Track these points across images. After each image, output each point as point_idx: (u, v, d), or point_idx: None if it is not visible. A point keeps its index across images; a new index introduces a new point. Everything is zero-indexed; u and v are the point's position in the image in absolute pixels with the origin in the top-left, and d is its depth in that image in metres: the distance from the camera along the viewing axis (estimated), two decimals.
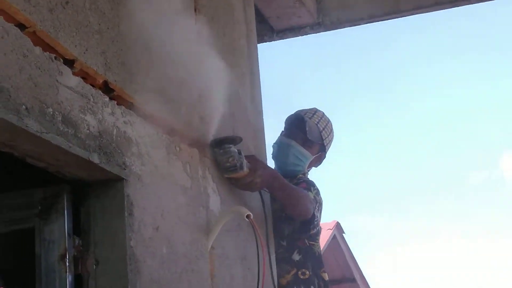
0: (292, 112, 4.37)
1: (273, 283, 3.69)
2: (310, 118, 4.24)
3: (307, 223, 3.99)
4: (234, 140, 3.26)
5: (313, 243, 4.13)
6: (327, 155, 4.33)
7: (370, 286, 14.23)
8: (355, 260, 13.91)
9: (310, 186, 4.08)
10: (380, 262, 26.38)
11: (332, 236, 12.85)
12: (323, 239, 12.13)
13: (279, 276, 4.04)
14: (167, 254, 2.82)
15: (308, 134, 4.17)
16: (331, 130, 4.32)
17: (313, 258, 4.11)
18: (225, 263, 3.34)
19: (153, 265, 2.72)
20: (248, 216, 3.08)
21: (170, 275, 2.82)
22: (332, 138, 4.34)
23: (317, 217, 4.01)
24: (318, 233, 4.15)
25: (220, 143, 3.23)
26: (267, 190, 3.72)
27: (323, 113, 4.33)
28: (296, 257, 4.09)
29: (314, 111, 4.31)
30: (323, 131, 4.24)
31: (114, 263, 2.58)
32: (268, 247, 3.78)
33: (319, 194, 4.11)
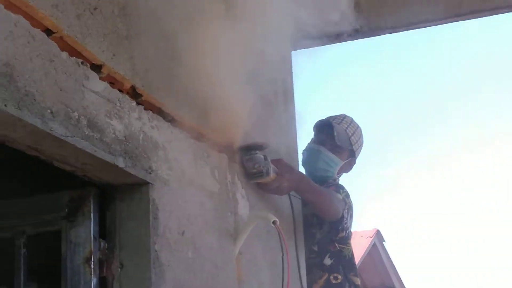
0: (322, 118, 4.37)
1: None
2: (338, 124, 4.24)
3: (337, 224, 4.00)
4: (260, 146, 3.27)
5: (343, 246, 4.12)
6: (357, 160, 4.33)
7: None
8: (395, 269, 13.82)
9: (339, 188, 4.09)
10: (421, 270, 26.13)
11: (372, 244, 12.77)
12: (363, 247, 12.07)
13: (311, 282, 4.04)
14: (192, 258, 2.83)
15: (336, 139, 4.17)
16: (361, 135, 4.31)
17: (344, 262, 4.11)
18: (253, 269, 3.35)
19: (178, 269, 2.73)
20: (274, 222, 3.09)
21: (195, 280, 2.84)
22: (362, 143, 4.34)
23: (346, 218, 4.02)
24: (348, 237, 4.14)
25: (247, 150, 3.25)
26: (297, 195, 3.73)
27: (352, 119, 4.32)
28: (327, 261, 4.09)
29: (343, 117, 4.31)
30: (352, 137, 4.24)
31: (139, 267, 2.60)
32: (298, 253, 3.78)
33: (349, 197, 4.11)
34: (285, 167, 3.47)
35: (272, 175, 3.33)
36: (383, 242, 13.51)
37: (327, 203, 3.82)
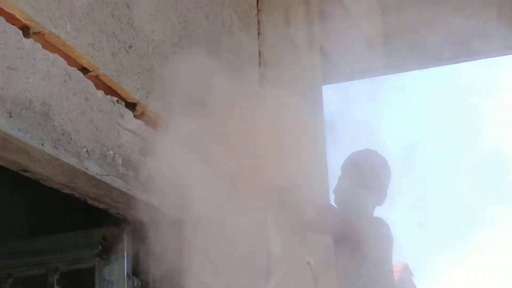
0: (348, 155, 4.37)
1: None
2: (365, 161, 4.23)
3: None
4: None
5: None
6: (388, 192, 4.32)
7: None
8: None
9: (380, 222, 4.08)
10: None
11: (400, 280, 12.62)
12: None
13: None
14: None
15: (365, 177, 4.15)
16: (387, 167, 4.30)
17: None
18: None
19: None
20: (308, 263, 3.06)
21: None
22: (390, 175, 4.32)
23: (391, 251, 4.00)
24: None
25: None
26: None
27: (376, 152, 4.31)
28: None
29: (367, 152, 4.30)
30: (380, 171, 4.22)
31: None
32: None
33: (389, 230, 4.10)
34: (328, 208, 3.46)
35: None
36: (412, 277, 13.36)
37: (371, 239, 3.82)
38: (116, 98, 2.37)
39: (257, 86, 3.40)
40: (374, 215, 4.30)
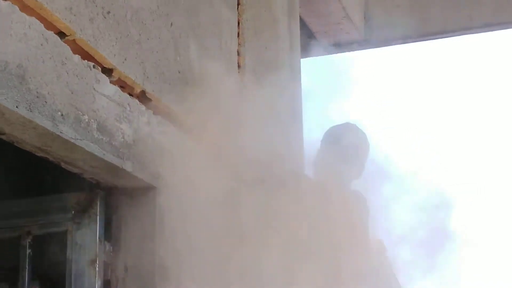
0: (327, 128, 4.38)
1: None
2: (345, 135, 4.25)
3: None
4: None
5: None
6: (365, 166, 4.36)
7: None
8: None
9: (358, 195, 4.15)
10: None
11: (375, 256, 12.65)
12: None
13: None
14: (197, 263, 2.83)
15: (344, 150, 4.18)
16: (366, 141, 4.33)
17: None
18: (258, 272, 3.34)
19: (183, 273, 2.74)
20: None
21: (200, 284, 2.84)
22: (368, 148, 4.36)
23: None
24: None
25: None
26: None
27: (356, 126, 4.33)
28: None
29: (347, 126, 4.32)
30: (359, 145, 4.25)
31: (143, 270, 2.62)
32: None
33: (366, 203, 4.16)
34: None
35: None
36: (386, 253, 13.42)
37: None
38: (93, 63, 2.37)
39: (235, 56, 3.41)
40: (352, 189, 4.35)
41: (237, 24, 3.44)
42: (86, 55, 2.35)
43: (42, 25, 2.16)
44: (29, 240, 2.76)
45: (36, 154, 2.32)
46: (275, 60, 3.90)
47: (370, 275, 3.95)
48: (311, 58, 5.45)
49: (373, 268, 4.03)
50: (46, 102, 2.13)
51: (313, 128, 4.41)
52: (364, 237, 4.17)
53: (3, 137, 2.18)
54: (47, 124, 2.13)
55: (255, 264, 3.22)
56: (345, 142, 4.18)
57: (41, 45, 2.15)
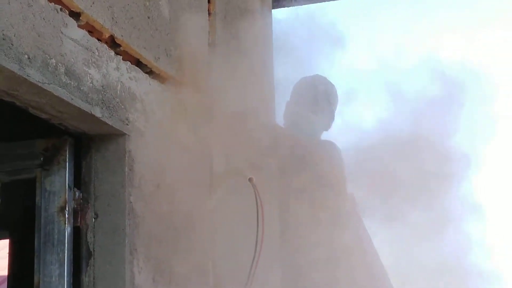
0: (297, 80, 4.41)
1: None
2: (315, 83, 4.30)
3: None
4: None
5: None
6: (335, 116, 4.42)
7: None
8: None
9: (332, 144, 4.19)
10: None
11: (346, 210, 12.73)
12: None
13: None
14: (167, 211, 2.83)
15: (315, 98, 4.22)
16: (335, 92, 4.40)
17: None
18: (227, 224, 3.35)
19: (153, 221, 2.73)
20: (250, 179, 3.09)
21: (169, 232, 2.83)
22: (337, 100, 4.43)
23: None
24: None
25: None
26: None
27: (326, 78, 4.38)
28: None
29: (317, 78, 4.36)
30: (329, 96, 4.30)
31: (113, 217, 2.60)
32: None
33: (341, 153, 4.21)
34: None
35: None
36: (356, 207, 13.47)
37: None
38: (60, 6, 2.33)
39: (205, 3, 3.37)
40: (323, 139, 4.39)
41: None
42: None
43: None
44: None
45: (3, 99, 2.28)
46: (246, 8, 3.86)
47: (343, 219, 3.97)
48: (283, 8, 5.41)
49: (346, 213, 4.07)
50: (12, 44, 2.09)
51: (283, 80, 4.41)
52: (341, 187, 4.19)
53: None
54: (13, 67, 2.09)
55: (226, 209, 3.23)
56: (316, 91, 4.22)
57: None
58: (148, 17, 2.81)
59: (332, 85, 4.48)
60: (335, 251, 4.12)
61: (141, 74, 2.75)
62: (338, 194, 4.23)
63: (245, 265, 3.04)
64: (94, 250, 2.59)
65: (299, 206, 4.07)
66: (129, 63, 2.69)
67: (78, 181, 2.63)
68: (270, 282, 3.68)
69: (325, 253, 4.02)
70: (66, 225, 2.56)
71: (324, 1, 5.46)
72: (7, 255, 3.35)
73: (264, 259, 3.04)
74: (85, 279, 2.58)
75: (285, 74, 4.64)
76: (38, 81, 2.19)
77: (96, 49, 2.50)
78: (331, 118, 4.48)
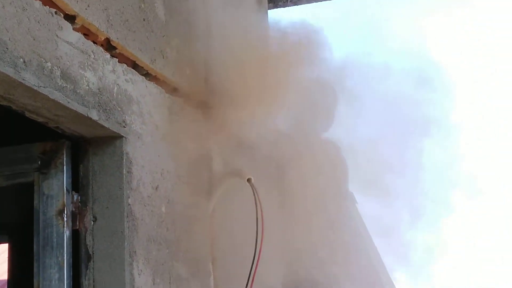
0: None
1: None
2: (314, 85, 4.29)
3: None
4: None
5: None
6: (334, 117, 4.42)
7: None
8: None
9: (332, 143, 4.20)
10: None
11: (345, 207, 12.70)
12: None
13: None
14: (166, 213, 2.83)
15: (314, 100, 4.22)
16: (335, 93, 4.40)
17: None
18: (226, 225, 3.35)
19: (151, 223, 2.73)
20: (248, 180, 3.09)
21: (168, 234, 2.83)
22: (337, 100, 4.42)
23: None
24: None
25: None
26: None
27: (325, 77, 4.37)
28: None
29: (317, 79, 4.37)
30: (329, 97, 4.30)
31: (112, 220, 2.60)
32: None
33: (341, 152, 4.21)
34: None
35: None
36: (356, 205, 13.43)
37: None
38: (55, 10, 2.33)
39: None
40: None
41: None
42: (47, 1, 2.30)
43: None
44: None
45: None
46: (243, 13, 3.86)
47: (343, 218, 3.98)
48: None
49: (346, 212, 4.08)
50: (7, 48, 2.09)
51: None
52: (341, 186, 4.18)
53: None
54: (9, 71, 2.09)
55: (225, 210, 3.22)
56: (316, 91, 4.21)
57: None
58: (144, 19, 2.81)
59: (331, 86, 4.46)
60: (335, 250, 4.11)
61: (137, 76, 2.75)
62: (338, 194, 4.22)
63: (245, 265, 3.04)
64: (93, 253, 2.59)
65: (299, 206, 4.07)
66: (125, 65, 2.68)
67: (76, 184, 2.63)
68: (270, 281, 3.68)
69: (325, 253, 4.02)
70: (65, 228, 2.55)
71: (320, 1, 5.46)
72: (7, 260, 3.35)
73: (264, 259, 3.04)
74: (85, 282, 2.58)
75: None
76: (34, 84, 2.18)
77: (92, 51, 2.50)
78: (330, 118, 4.46)
